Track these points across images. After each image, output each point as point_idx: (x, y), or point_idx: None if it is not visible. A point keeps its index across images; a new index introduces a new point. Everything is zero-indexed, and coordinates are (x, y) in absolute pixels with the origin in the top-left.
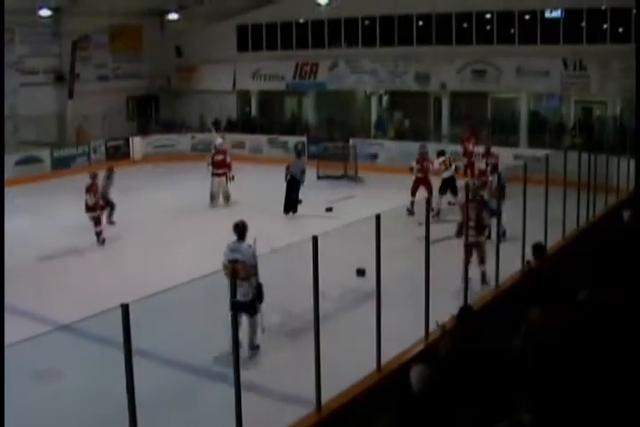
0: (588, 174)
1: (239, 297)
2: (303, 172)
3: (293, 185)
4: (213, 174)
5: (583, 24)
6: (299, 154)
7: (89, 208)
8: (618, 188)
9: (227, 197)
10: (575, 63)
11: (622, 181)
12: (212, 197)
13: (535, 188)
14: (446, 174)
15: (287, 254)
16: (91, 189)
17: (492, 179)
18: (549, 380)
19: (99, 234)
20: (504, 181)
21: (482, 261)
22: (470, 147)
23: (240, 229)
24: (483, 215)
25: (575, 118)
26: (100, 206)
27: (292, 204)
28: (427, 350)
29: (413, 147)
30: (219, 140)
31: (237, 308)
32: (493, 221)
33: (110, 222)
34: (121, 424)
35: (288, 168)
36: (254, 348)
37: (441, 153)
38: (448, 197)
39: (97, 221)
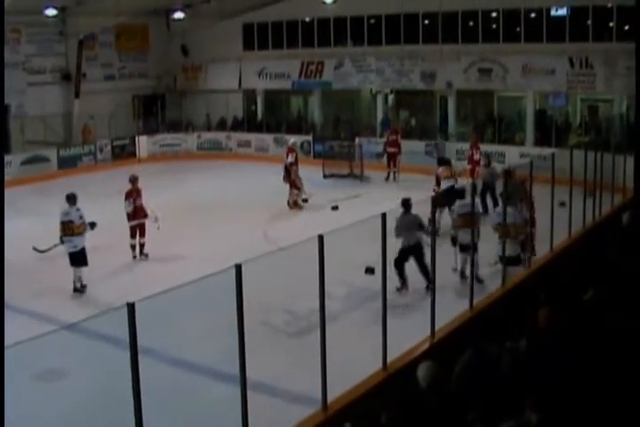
0: (595, 173)
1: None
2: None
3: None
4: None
5: (589, 22)
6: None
7: (128, 216)
8: (624, 187)
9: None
10: (581, 61)
11: (629, 181)
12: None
13: (541, 187)
14: (451, 182)
15: (292, 253)
16: (130, 194)
17: (453, 208)
18: (556, 380)
19: (134, 247)
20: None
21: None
22: (477, 155)
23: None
24: None
25: (581, 117)
26: (140, 215)
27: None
28: (432, 349)
29: (419, 146)
30: (292, 140)
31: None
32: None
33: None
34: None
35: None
36: (480, 281)
37: (444, 161)
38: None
39: (133, 232)
